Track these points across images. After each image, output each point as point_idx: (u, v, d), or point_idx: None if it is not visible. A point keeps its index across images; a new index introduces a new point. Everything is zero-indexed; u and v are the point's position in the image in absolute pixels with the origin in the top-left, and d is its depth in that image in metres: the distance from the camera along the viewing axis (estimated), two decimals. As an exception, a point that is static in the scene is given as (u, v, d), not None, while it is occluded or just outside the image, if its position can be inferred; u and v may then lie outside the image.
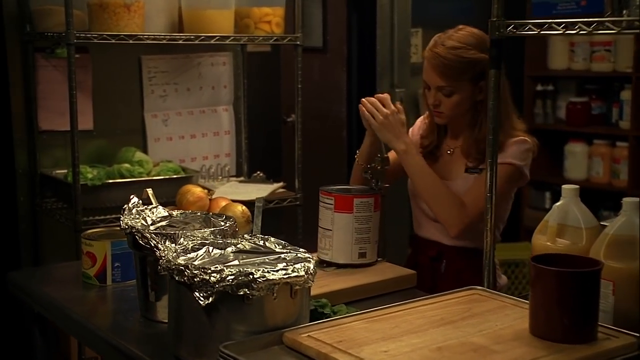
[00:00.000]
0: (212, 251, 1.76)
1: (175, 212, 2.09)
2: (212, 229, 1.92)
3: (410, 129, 2.67)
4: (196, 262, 1.68)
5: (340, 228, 2.28)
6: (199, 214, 2.09)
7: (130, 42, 2.99)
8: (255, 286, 1.58)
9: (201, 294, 1.60)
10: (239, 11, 3.36)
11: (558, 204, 1.89)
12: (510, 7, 1.94)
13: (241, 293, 1.58)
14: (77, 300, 2.14)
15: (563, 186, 1.89)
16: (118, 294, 2.16)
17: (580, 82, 5.35)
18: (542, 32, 1.82)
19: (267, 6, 3.35)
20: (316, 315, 1.92)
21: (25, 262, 3.31)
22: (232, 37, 3.24)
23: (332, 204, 2.29)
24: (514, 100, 2.53)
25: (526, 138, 2.43)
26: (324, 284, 2.10)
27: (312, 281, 1.70)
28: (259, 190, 3.44)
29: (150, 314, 1.94)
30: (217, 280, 1.59)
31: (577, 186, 1.88)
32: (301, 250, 1.77)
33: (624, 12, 1.80)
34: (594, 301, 1.57)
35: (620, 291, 1.72)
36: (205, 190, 2.55)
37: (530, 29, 1.84)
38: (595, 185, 5.04)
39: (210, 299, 1.59)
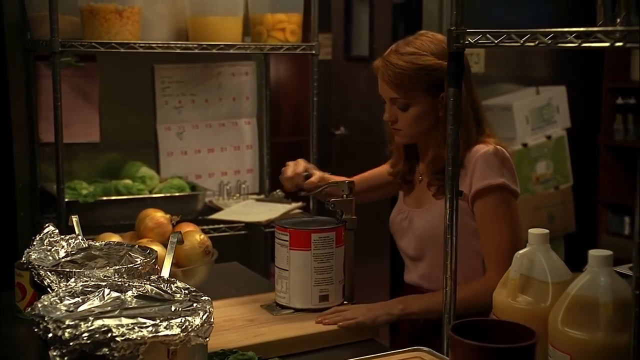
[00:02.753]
0: (107, 295, 1.52)
1: (98, 243, 1.86)
2: (118, 267, 1.67)
3: None
4: (81, 308, 1.45)
5: (297, 267, 2.00)
6: (124, 246, 1.85)
7: (122, 50, 2.78)
8: (115, 346, 1.33)
9: (56, 352, 1.35)
10: (253, 18, 3.11)
11: (522, 251, 1.56)
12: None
13: (100, 354, 1.33)
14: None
15: (529, 230, 1.56)
16: (43, 332, 1.94)
17: (666, 96, 4.87)
18: (500, 44, 1.51)
19: (283, 12, 3.07)
20: (236, 372, 1.66)
21: (25, 281, 3.14)
22: (237, 46, 2.97)
23: (287, 241, 2.00)
24: (481, 112, 2.15)
25: (492, 146, 2.03)
26: (260, 333, 1.82)
27: (205, 338, 1.43)
28: (272, 211, 3.17)
29: (52, 361, 1.71)
30: (72, 337, 1.34)
31: (547, 231, 1.54)
32: (203, 299, 1.51)
33: (618, 20, 1.52)
34: (528, 384, 1.25)
35: (579, 367, 1.38)
36: (168, 216, 2.31)
37: (487, 39, 1.53)
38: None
39: (66, 359, 1.35)
